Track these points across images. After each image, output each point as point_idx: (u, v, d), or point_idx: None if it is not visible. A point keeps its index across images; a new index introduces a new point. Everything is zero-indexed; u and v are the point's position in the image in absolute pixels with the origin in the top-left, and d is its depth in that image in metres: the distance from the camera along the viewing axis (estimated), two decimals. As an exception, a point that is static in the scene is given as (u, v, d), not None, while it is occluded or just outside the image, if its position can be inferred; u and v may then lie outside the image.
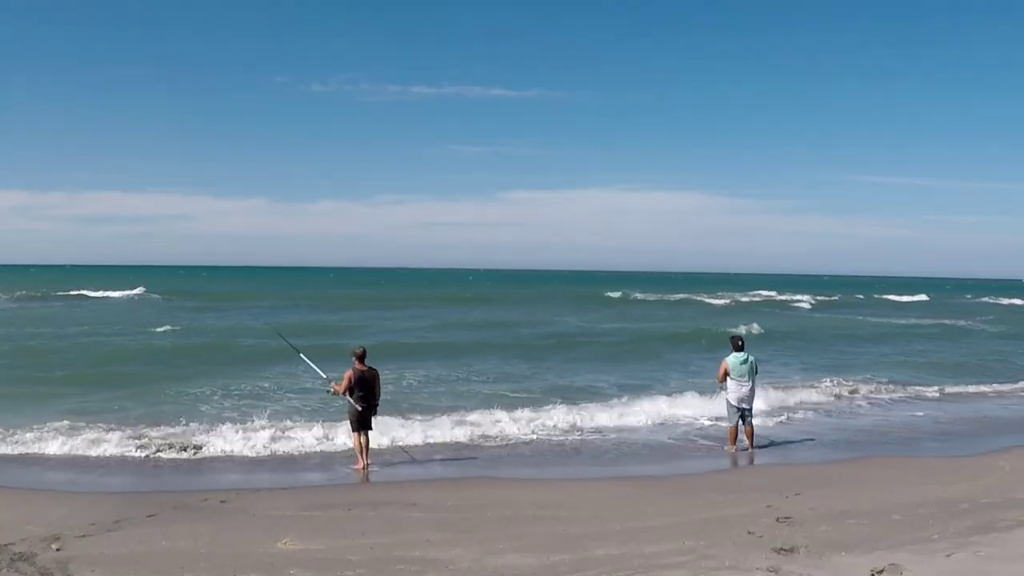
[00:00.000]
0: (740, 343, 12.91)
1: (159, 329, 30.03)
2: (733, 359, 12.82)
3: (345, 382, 11.58)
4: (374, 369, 11.83)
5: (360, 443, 11.55)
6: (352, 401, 11.51)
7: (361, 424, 11.54)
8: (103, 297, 54.88)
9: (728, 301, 64.82)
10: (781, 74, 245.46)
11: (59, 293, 56.57)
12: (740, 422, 12.90)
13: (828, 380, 20.08)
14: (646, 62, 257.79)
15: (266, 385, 17.98)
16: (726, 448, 12.93)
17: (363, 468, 11.46)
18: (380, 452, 12.26)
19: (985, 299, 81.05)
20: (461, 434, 13.70)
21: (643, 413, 15.52)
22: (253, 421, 13.79)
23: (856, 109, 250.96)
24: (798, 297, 72.45)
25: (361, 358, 11.68)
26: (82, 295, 55.14)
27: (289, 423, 13.86)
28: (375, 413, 11.77)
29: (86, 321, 34.35)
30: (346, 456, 12.17)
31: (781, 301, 69.23)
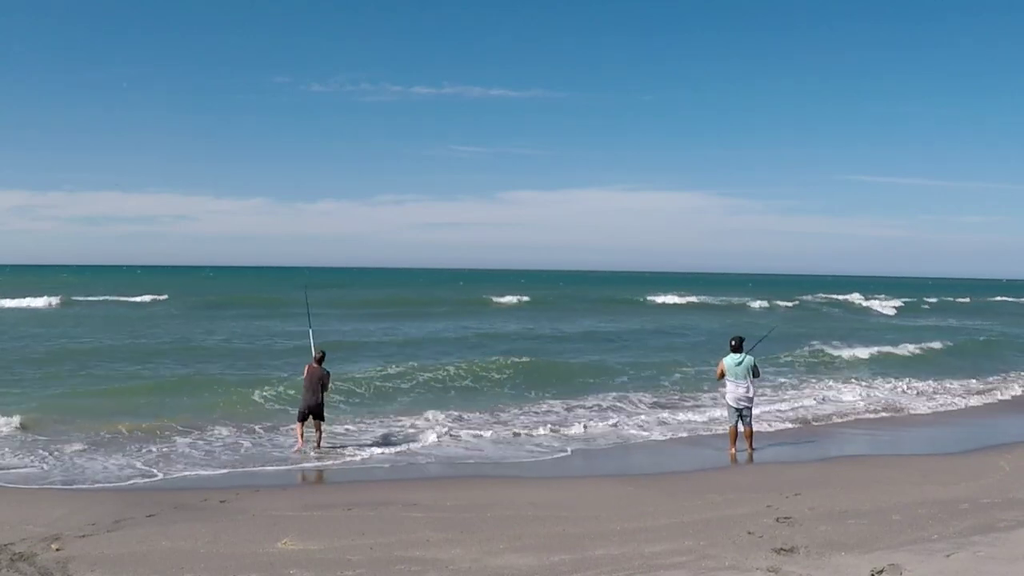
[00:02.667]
0: (735, 344, 12.98)
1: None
2: (729, 360, 12.92)
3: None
4: (319, 369, 12.94)
5: (302, 429, 12.68)
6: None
7: (303, 415, 12.71)
8: (139, 302, 50.69)
9: (792, 304, 60.90)
10: (781, 74, 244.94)
11: (92, 298, 52.63)
12: (739, 422, 12.94)
13: None
14: (647, 63, 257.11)
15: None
16: (727, 452, 12.95)
17: (300, 449, 12.48)
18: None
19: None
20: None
21: None
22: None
23: (856, 109, 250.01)
24: (881, 302, 67.14)
25: (319, 360, 13.02)
26: (119, 300, 51.09)
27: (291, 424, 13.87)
28: (314, 406, 12.75)
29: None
30: (346, 455, 12.34)
31: (857, 304, 65.17)
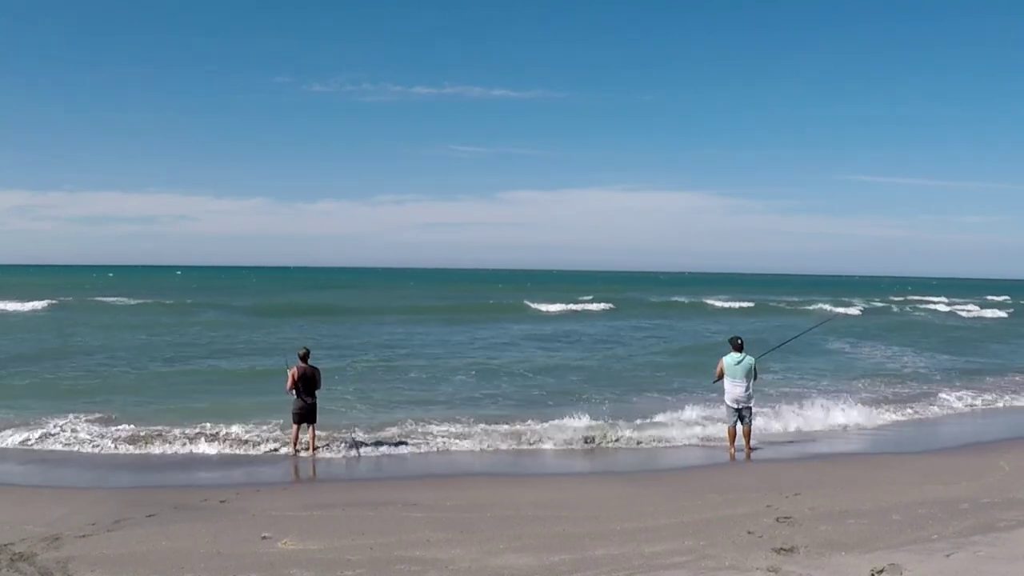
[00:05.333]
0: (738, 344, 13.01)
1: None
2: (729, 359, 12.97)
3: (290, 380, 12.63)
4: (314, 367, 12.82)
5: (297, 433, 12.56)
6: (295, 396, 12.59)
7: (302, 417, 12.53)
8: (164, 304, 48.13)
9: (859, 308, 55.29)
10: (781, 75, 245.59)
11: (114, 300, 50.45)
12: (739, 422, 12.98)
13: None
14: (647, 63, 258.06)
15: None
16: (728, 452, 12.99)
17: (295, 452, 12.45)
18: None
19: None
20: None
21: None
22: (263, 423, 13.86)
23: (856, 110, 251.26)
24: (957, 305, 62.41)
25: (304, 358, 12.73)
26: (143, 303, 48.28)
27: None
28: (310, 406, 12.62)
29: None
30: (342, 454, 12.39)
31: (943, 309, 59.40)
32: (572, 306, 53.12)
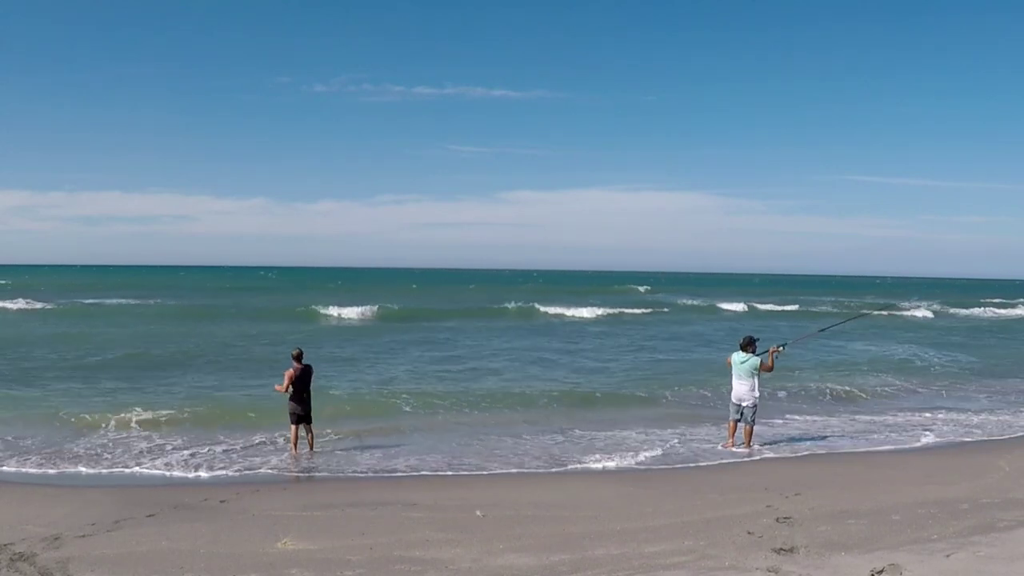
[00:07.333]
0: (743, 343, 13.19)
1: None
2: (736, 356, 13.20)
3: (286, 380, 12.51)
4: (308, 365, 12.79)
5: (296, 433, 12.49)
6: (292, 397, 12.47)
7: (299, 417, 12.49)
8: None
9: (927, 314, 50.30)
10: (781, 74, 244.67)
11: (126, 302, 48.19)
12: (741, 419, 13.07)
13: None
14: (648, 63, 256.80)
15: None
16: (724, 444, 13.08)
17: (296, 453, 12.36)
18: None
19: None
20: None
21: None
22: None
23: (856, 109, 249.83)
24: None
25: (299, 358, 12.67)
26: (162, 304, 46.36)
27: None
28: (308, 406, 12.61)
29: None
30: (342, 456, 12.37)
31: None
32: (627, 310, 49.12)
